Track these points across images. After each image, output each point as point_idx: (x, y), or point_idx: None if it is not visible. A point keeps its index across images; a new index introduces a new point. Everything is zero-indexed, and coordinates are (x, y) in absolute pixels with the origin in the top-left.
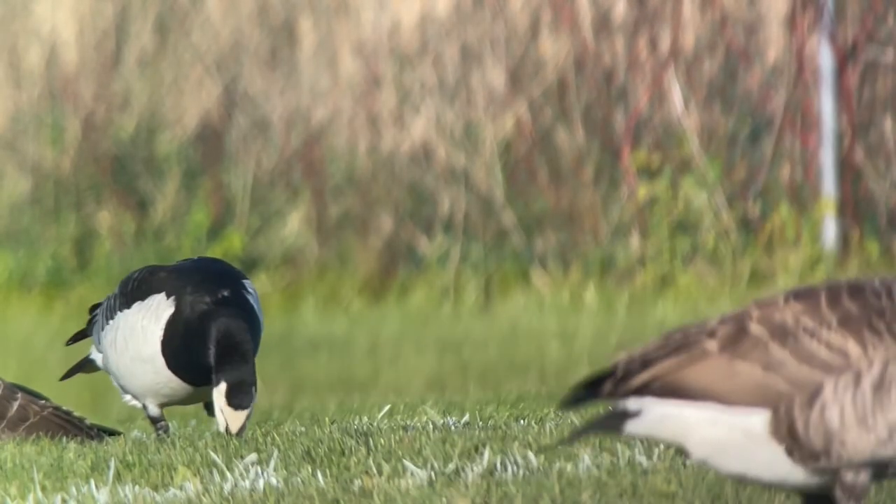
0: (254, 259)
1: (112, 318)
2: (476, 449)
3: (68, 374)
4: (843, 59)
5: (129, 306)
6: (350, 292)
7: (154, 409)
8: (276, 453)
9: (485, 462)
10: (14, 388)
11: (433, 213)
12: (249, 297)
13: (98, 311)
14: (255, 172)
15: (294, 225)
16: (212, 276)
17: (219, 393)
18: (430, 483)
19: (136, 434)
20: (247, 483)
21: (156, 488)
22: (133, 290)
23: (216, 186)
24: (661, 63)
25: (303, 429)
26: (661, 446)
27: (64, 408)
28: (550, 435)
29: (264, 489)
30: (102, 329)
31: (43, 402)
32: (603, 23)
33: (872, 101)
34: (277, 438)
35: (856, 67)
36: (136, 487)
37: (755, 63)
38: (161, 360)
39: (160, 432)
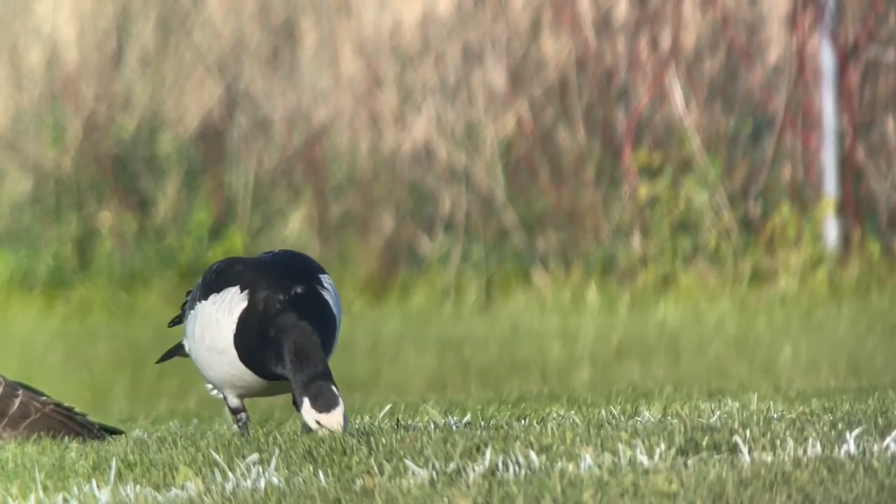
0: None
1: (193, 307)
2: (477, 448)
3: (164, 358)
4: (845, 59)
5: (206, 297)
6: (351, 292)
7: (234, 401)
8: (277, 453)
9: (486, 462)
10: (15, 386)
11: (434, 213)
12: (325, 293)
13: (189, 297)
14: (256, 172)
15: (295, 224)
16: (288, 270)
17: (306, 410)
18: (432, 482)
19: (138, 433)
20: (248, 483)
21: (157, 488)
22: (211, 282)
23: (217, 186)
24: (663, 62)
25: None
26: (663, 446)
27: (65, 405)
28: (552, 435)
29: (266, 489)
30: (186, 317)
31: (44, 399)
32: (604, 22)
33: (874, 101)
34: (279, 438)
35: (857, 67)
36: (138, 487)
37: (756, 62)
38: (234, 353)
39: (238, 425)
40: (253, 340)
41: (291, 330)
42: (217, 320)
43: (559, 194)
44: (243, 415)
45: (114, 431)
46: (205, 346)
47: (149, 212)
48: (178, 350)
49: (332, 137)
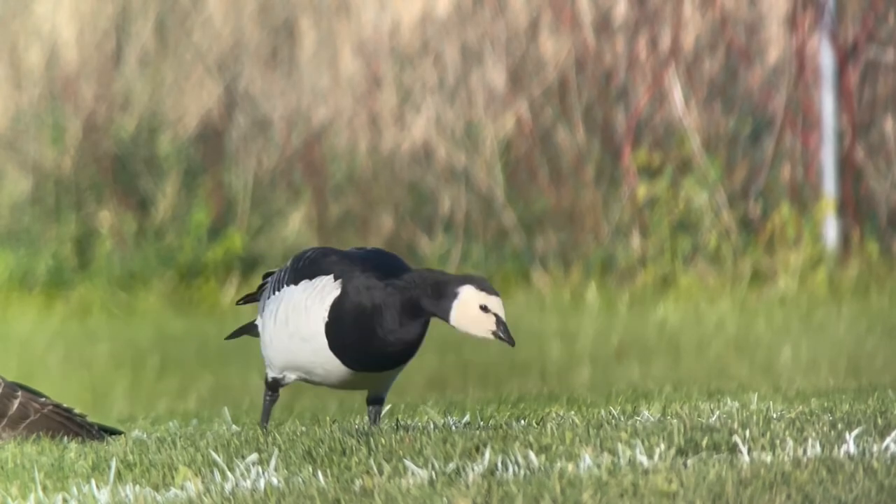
0: (255, 259)
1: (278, 290)
2: (477, 449)
3: (234, 335)
4: (844, 59)
5: (296, 283)
6: None
7: (282, 380)
8: (276, 453)
9: (486, 462)
10: (14, 387)
11: (434, 213)
12: None
13: (269, 278)
14: (255, 172)
15: (295, 224)
16: (380, 265)
17: (469, 295)
18: (431, 483)
19: (137, 434)
20: (248, 483)
21: (157, 488)
22: (303, 268)
23: (217, 186)
24: (662, 63)
25: (303, 428)
26: (663, 446)
27: (64, 405)
28: (551, 435)
29: (265, 489)
30: (268, 298)
31: (43, 399)
32: (603, 22)
33: (873, 101)
34: (278, 438)
35: (856, 67)
36: (137, 487)
37: (756, 63)
38: (323, 340)
39: (267, 398)
40: (345, 328)
41: (398, 284)
42: (307, 307)
43: (559, 194)
44: (277, 395)
45: (113, 432)
46: (287, 331)
47: (148, 212)
48: (249, 328)
49: (331, 137)
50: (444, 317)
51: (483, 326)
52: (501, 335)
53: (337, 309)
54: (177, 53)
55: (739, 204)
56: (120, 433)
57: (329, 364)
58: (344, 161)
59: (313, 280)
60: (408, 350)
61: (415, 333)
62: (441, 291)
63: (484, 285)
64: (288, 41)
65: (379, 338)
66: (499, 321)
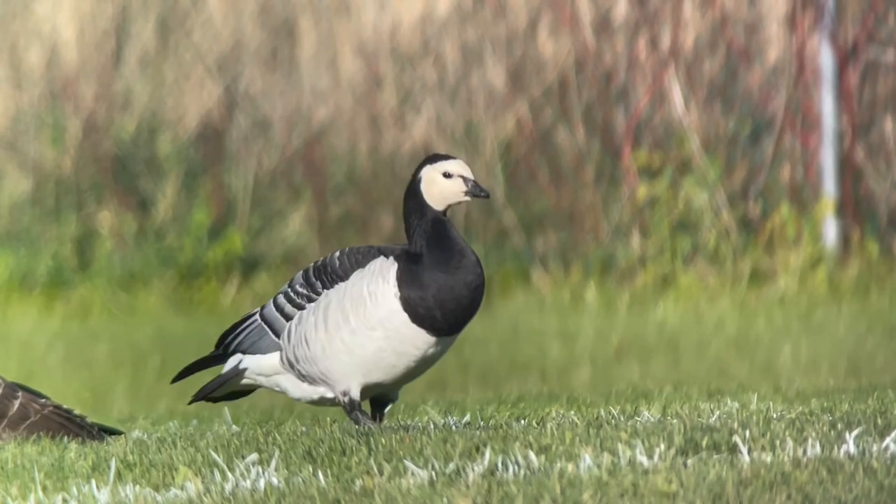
0: (255, 259)
1: (304, 305)
2: (477, 449)
3: (197, 398)
4: (844, 59)
5: (331, 285)
6: None
7: (356, 392)
8: (277, 453)
9: (486, 462)
10: (15, 387)
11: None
12: None
13: (251, 322)
14: (256, 172)
15: (295, 225)
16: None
17: (427, 174)
18: (431, 483)
19: (137, 434)
20: (248, 483)
21: (157, 488)
22: (336, 269)
23: (217, 186)
24: (662, 63)
25: (304, 429)
26: (663, 446)
27: (64, 406)
28: (551, 435)
29: (265, 489)
30: (292, 320)
31: (43, 400)
32: (603, 23)
33: (873, 101)
34: (279, 438)
35: (856, 67)
36: (137, 487)
37: (756, 63)
38: (400, 318)
39: (354, 414)
40: (423, 286)
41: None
42: (371, 292)
43: (558, 194)
44: (362, 412)
45: (113, 432)
46: (347, 330)
47: (148, 212)
48: (222, 384)
49: (331, 138)
50: (428, 209)
51: (453, 192)
52: (473, 191)
53: (404, 278)
54: (177, 54)
55: (739, 204)
56: (120, 433)
57: (405, 343)
58: (344, 161)
59: (366, 267)
60: (481, 272)
61: (471, 253)
62: (417, 204)
63: (436, 157)
64: (288, 41)
65: (456, 271)
66: (465, 180)
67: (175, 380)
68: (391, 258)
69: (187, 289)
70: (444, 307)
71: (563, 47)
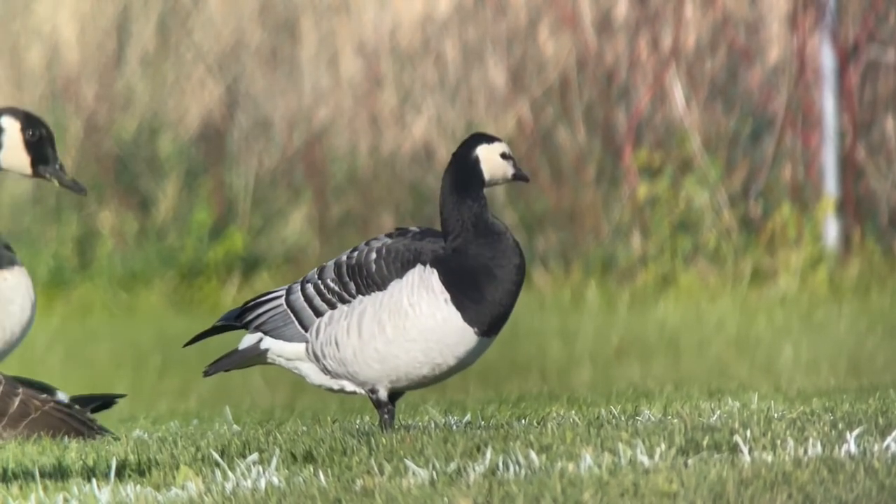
0: (256, 258)
1: (335, 303)
2: (478, 448)
3: (213, 371)
4: (845, 59)
5: (367, 291)
6: None
7: (384, 394)
8: (277, 453)
9: (486, 461)
10: (15, 384)
11: (434, 213)
12: None
13: (275, 305)
14: (256, 172)
15: (296, 224)
16: (436, 234)
17: (487, 154)
18: (432, 482)
19: (138, 433)
20: (248, 482)
21: (157, 488)
22: (371, 274)
23: (218, 186)
24: (663, 62)
25: (304, 428)
26: (663, 446)
27: (65, 401)
28: (552, 434)
29: (266, 489)
30: (321, 317)
31: (44, 396)
32: (604, 22)
33: (874, 101)
34: (279, 438)
35: (857, 67)
36: (138, 487)
37: (756, 62)
38: (451, 325)
39: (386, 417)
40: (473, 285)
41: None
42: (412, 304)
43: (559, 194)
44: (392, 407)
45: (108, 402)
46: (382, 339)
47: (149, 212)
48: (237, 360)
49: (332, 137)
50: (482, 185)
51: (504, 174)
52: (518, 174)
53: (450, 280)
54: (178, 53)
55: (740, 203)
56: (117, 438)
57: (444, 353)
58: (345, 161)
59: (403, 277)
60: (522, 254)
61: (511, 236)
62: (473, 185)
63: (489, 137)
64: (289, 41)
65: (504, 260)
66: (514, 162)
67: (187, 344)
68: (428, 266)
69: (188, 288)
70: (497, 297)
71: (563, 47)
